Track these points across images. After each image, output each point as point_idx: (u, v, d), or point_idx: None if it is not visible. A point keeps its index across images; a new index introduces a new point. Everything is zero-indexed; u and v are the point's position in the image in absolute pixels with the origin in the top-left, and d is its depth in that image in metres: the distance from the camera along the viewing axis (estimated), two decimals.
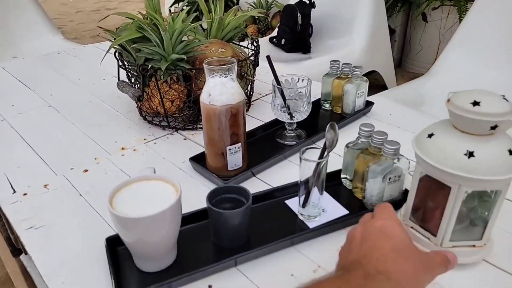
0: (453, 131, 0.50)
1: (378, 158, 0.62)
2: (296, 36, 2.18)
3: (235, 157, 0.72)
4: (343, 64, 0.95)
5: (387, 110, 1.00)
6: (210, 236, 0.60)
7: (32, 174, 0.78)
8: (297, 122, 0.85)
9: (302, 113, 0.83)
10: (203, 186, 0.74)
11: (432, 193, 0.54)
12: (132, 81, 0.97)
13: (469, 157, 0.48)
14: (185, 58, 0.85)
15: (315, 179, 0.59)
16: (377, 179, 0.61)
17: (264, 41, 2.32)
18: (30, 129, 0.97)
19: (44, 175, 0.78)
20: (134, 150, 0.86)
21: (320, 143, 0.87)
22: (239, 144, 0.72)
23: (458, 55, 1.69)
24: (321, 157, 0.59)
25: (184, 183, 0.74)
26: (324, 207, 0.66)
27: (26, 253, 0.78)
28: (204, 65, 0.68)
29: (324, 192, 0.63)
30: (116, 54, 0.94)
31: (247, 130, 0.81)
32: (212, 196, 0.58)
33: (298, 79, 0.83)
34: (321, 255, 0.58)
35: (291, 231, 0.61)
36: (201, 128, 0.94)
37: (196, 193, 0.71)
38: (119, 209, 0.49)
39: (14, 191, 0.73)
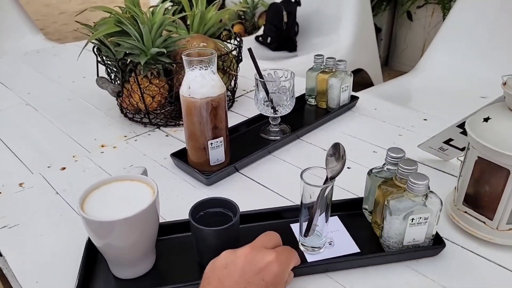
0: (510, 113, 0.51)
1: (401, 192, 0.51)
2: (282, 34, 2.17)
3: (217, 152, 0.71)
4: (327, 58, 0.94)
5: (371, 105, 0.99)
6: (194, 251, 0.54)
7: (6, 173, 0.76)
8: (281, 117, 0.84)
9: (286, 107, 0.81)
10: (185, 182, 0.72)
11: (488, 177, 0.55)
12: (112, 77, 0.95)
13: None
14: (165, 51, 0.83)
15: (320, 204, 0.50)
16: (397, 218, 0.51)
17: (250, 40, 2.31)
18: (6, 127, 0.93)
19: (19, 173, 0.75)
20: (114, 147, 0.84)
21: (317, 156, 0.85)
22: (221, 138, 0.70)
23: (443, 51, 1.70)
24: (325, 182, 0.51)
25: (166, 180, 0.72)
26: (332, 239, 0.56)
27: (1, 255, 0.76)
28: (183, 56, 0.66)
29: (338, 221, 0.57)
30: (95, 49, 0.91)
31: (230, 126, 0.79)
32: (196, 210, 0.52)
33: (282, 73, 0.81)
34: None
35: None
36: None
37: (178, 190, 0.70)
38: (90, 212, 0.46)
39: None
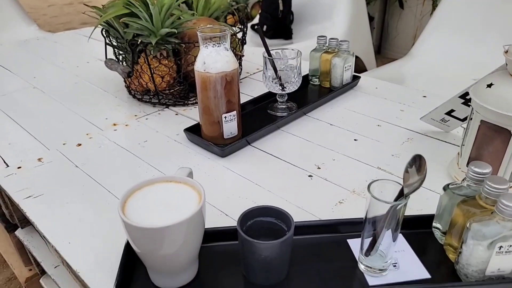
0: (511, 79, 0.55)
1: (487, 215, 0.44)
2: (278, 22, 2.20)
3: (230, 125, 0.73)
4: (330, 38, 0.97)
5: (372, 85, 1.03)
6: (241, 263, 0.49)
7: (24, 149, 0.77)
8: (288, 94, 0.87)
9: (294, 83, 0.84)
10: (199, 155, 0.75)
11: (490, 139, 0.58)
12: (120, 59, 0.97)
13: None
14: (176, 31, 0.86)
15: (389, 222, 0.44)
16: (480, 245, 0.43)
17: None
18: (16, 109, 0.95)
19: (36, 150, 0.77)
20: (126, 125, 0.86)
21: (324, 129, 0.88)
22: (234, 112, 0.73)
23: (435, 36, 1.75)
24: (398, 197, 0.44)
25: (181, 154, 0.75)
26: (397, 261, 0.50)
27: (22, 227, 0.78)
28: (198, 33, 0.68)
29: (403, 240, 0.51)
30: (103, 31, 0.93)
31: None
32: (245, 219, 0.47)
33: (289, 52, 0.84)
34: None
35: (343, 283, 0.48)
36: (192, 103, 0.95)
37: (194, 162, 0.72)
38: (131, 215, 0.42)
39: (7, 165, 0.72)
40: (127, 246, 0.49)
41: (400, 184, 0.44)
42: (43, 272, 0.89)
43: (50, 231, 0.56)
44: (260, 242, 0.43)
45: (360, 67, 2.48)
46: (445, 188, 0.51)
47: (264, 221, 0.48)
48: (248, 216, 0.47)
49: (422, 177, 0.42)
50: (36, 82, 1.10)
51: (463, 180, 0.50)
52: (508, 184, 0.44)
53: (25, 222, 0.78)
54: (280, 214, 0.47)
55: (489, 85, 0.57)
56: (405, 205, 0.44)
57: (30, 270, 0.94)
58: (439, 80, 1.63)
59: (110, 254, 0.51)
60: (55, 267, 0.81)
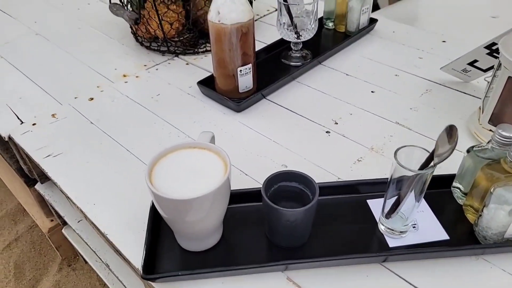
0: None
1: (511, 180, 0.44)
2: None
3: (246, 79, 0.71)
4: None
5: (389, 28, 0.98)
6: (264, 225, 0.50)
7: (35, 104, 0.76)
8: (302, 42, 0.84)
9: (309, 31, 0.80)
10: (214, 109, 0.74)
11: None
12: (125, 2, 0.91)
13: None
14: None
15: (413, 188, 0.44)
16: (502, 209, 0.44)
17: None
18: (20, 58, 0.92)
19: (48, 104, 0.76)
20: (136, 77, 0.84)
21: (340, 80, 0.85)
22: (250, 65, 0.71)
23: None
24: (425, 165, 0.43)
25: (195, 108, 0.74)
26: (416, 222, 0.50)
27: (42, 182, 0.79)
28: None
29: (422, 201, 0.49)
30: None
31: None
32: (269, 184, 0.47)
33: None
34: (396, 284, 0.45)
35: (363, 244, 0.48)
36: (203, 52, 0.92)
37: (210, 117, 0.72)
38: (159, 185, 0.42)
39: (22, 122, 0.71)
40: (153, 208, 0.50)
41: (427, 151, 0.43)
42: (64, 223, 0.93)
43: (74, 192, 0.57)
44: (285, 210, 0.43)
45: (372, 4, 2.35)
46: (469, 150, 0.51)
47: (288, 186, 0.48)
48: (272, 181, 0.47)
49: (453, 146, 0.41)
50: (37, 27, 1.05)
51: (488, 142, 0.49)
52: None
53: (45, 177, 0.79)
54: (304, 180, 0.47)
55: None
56: (432, 172, 0.43)
57: (52, 221, 0.98)
58: (455, 17, 1.55)
59: (136, 215, 0.52)
60: (78, 221, 0.84)
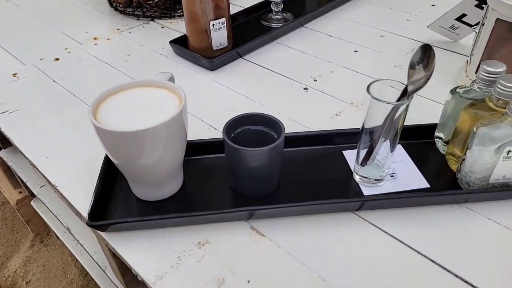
0: None
1: (497, 117, 0.40)
2: None
3: (219, 35, 0.67)
4: None
5: None
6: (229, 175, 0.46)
7: None
8: (283, 3, 0.79)
9: None
10: (187, 69, 0.69)
11: (504, 42, 0.52)
12: None
13: None
14: None
15: (388, 128, 0.40)
16: (486, 150, 0.40)
17: None
18: None
19: (10, 65, 0.71)
20: (107, 39, 0.79)
21: (323, 42, 0.81)
22: (223, 20, 0.66)
23: None
24: (401, 97, 0.39)
25: (167, 68, 0.70)
26: (395, 171, 0.46)
27: (4, 147, 0.75)
28: None
29: (401, 150, 0.47)
30: None
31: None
32: (231, 127, 0.43)
33: None
34: (371, 234, 0.41)
35: (336, 193, 0.44)
36: (180, 16, 0.87)
37: (181, 76, 0.67)
38: (104, 121, 0.38)
39: None
40: (107, 158, 0.46)
41: (402, 83, 0.39)
42: (32, 194, 0.88)
43: (27, 146, 0.53)
44: (248, 149, 0.39)
45: None
46: (452, 91, 0.46)
47: (252, 129, 0.44)
48: (235, 123, 0.43)
49: (429, 73, 0.37)
50: None
51: (472, 82, 0.45)
52: None
53: (7, 141, 0.75)
54: (270, 122, 0.43)
55: None
56: (407, 108, 0.39)
57: (20, 192, 0.93)
58: None
59: (91, 169, 0.48)
60: (41, 186, 0.79)
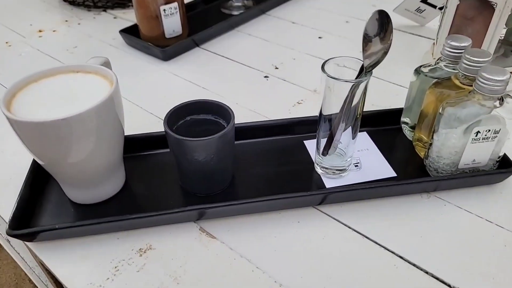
0: None
1: (464, 95, 0.36)
2: None
3: (172, 21, 0.62)
4: None
5: None
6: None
7: None
8: None
9: None
10: (138, 59, 0.64)
11: (469, 21, 0.50)
12: None
13: None
14: None
15: (347, 110, 0.36)
16: (454, 132, 0.36)
17: None
18: None
19: None
20: (53, 31, 0.73)
21: (287, 29, 0.77)
22: (175, 4, 0.61)
23: None
24: (359, 75, 0.35)
25: (117, 60, 0.64)
26: (359, 161, 0.43)
27: None
28: None
29: (367, 138, 0.44)
30: None
31: (186, 2, 0.69)
32: (174, 117, 0.38)
33: None
34: (334, 230, 0.37)
35: (297, 186, 0.40)
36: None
37: (132, 68, 0.62)
38: (21, 111, 0.32)
39: None
40: (34, 161, 0.40)
41: (360, 60, 0.35)
42: None
43: None
44: (191, 139, 0.34)
45: None
46: (417, 71, 0.42)
47: (199, 119, 0.39)
48: (178, 112, 0.38)
49: (387, 46, 0.33)
50: None
51: (437, 59, 0.41)
52: (490, 56, 0.35)
53: None
54: (218, 109, 0.38)
55: None
56: (366, 88, 0.35)
57: None
58: None
59: (21, 173, 0.42)
60: None
